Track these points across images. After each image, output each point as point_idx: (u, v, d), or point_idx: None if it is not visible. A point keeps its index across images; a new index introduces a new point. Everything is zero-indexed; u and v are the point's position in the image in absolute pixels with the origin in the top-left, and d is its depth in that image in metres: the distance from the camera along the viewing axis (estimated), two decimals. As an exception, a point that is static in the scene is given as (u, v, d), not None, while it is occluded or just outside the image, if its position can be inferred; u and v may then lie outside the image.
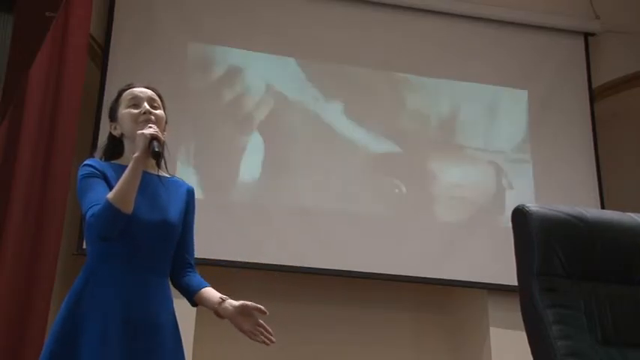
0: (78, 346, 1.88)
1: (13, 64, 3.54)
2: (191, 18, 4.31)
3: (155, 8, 4.27)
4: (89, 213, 1.94)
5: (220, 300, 2.06)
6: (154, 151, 1.99)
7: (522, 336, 1.47)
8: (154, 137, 1.99)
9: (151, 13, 4.25)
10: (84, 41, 3.64)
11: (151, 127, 2.03)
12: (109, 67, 4.07)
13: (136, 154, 1.97)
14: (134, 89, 2.15)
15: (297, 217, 4.12)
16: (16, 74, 3.43)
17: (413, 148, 4.40)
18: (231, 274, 4.20)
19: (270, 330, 2.03)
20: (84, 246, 3.58)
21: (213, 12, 4.34)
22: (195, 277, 2.15)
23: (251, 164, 4.16)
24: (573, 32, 4.82)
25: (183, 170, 3.91)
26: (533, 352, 1.41)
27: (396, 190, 4.28)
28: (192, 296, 2.12)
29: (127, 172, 1.95)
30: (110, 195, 1.91)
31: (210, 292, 2.11)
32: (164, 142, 2.07)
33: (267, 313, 2.00)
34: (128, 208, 1.92)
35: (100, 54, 4.16)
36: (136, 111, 2.09)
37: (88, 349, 1.87)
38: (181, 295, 2.18)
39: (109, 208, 1.89)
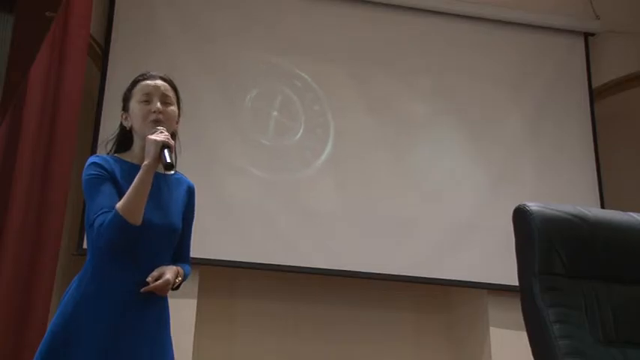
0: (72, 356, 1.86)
1: (13, 64, 3.53)
2: (191, 18, 4.31)
3: (155, 8, 4.27)
4: (98, 221, 1.89)
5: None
6: (166, 162, 1.92)
7: (522, 336, 1.47)
8: (165, 145, 1.94)
9: (151, 13, 4.26)
10: (84, 41, 3.64)
11: (161, 131, 1.98)
12: (109, 67, 4.07)
13: (145, 162, 1.92)
14: (148, 82, 2.10)
15: (297, 217, 4.11)
16: (16, 74, 3.43)
17: (413, 147, 4.40)
18: (232, 274, 4.20)
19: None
20: (84, 246, 3.58)
21: (213, 12, 4.35)
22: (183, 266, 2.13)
23: (252, 163, 4.16)
24: (573, 32, 4.83)
25: (182, 169, 3.89)
26: (534, 352, 1.41)
27: (396, 190, 4.27)
28: None
29: (136, 181, 1.90)
30: (119, 205, 1.88)
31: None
32: (175, 147, 2.02)
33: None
34: (137, 220, 1.88)
35: (100, 54, 4.16)
36: (146, 107, 2.05)
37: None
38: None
39: (118, 220, 1.86)
